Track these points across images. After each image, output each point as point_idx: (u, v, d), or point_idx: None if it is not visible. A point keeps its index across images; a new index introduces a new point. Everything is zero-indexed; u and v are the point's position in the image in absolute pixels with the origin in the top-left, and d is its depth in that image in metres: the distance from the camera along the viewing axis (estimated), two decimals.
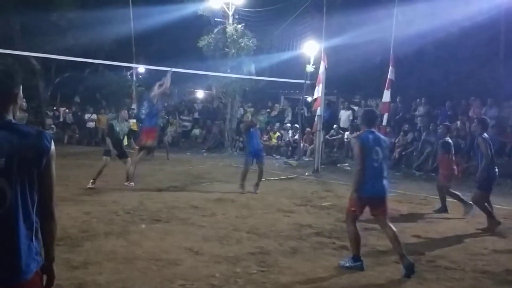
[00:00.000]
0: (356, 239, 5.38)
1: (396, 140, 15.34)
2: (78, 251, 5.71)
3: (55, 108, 24.26)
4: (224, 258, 5.65)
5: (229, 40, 18.67)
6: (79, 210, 7.71)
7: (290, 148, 18.08)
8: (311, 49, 16.73)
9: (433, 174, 13.66)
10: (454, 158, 8.94)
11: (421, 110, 16.18)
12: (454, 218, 8.38)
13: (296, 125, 18.11)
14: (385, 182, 5.34)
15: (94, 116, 21.77)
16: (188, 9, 19.78)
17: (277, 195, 10.01)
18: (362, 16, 16.91)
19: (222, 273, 5.11)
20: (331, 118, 17.88)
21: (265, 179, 11.31)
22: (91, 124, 21.82)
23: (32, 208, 2.27)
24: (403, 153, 15.01)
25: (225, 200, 9.26)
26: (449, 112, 15.80)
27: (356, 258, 5.37)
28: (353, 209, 5.36)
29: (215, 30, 19.23)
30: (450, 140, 8.96)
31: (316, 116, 14.76)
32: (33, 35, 21.37)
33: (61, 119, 23.38)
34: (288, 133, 18.73)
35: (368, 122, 5.52)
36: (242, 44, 18.46)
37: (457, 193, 8.67)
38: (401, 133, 15.58)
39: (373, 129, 5.47)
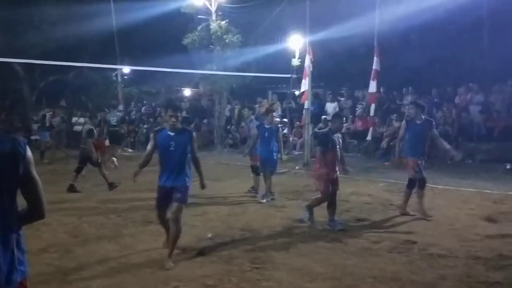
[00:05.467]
0: None
1: (384, 130, 15.33)
2: (70, 257, 5.65)
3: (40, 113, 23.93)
4: (218, 257, 5.63)
5: (213, 37, 18.55)
6: (69, 215, 7.63)
7: None
8: (296, 43, 16.69)
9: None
10: None
11: (409, 99, 16.18)
12: (445, 206, 8.42)
13: (285, 120, 18.06)
14: (269, 148, 8.83)
15: (82, 119, 21.27)
16: (170, 6, 19.56)
17: None
18: (347, 7, 16.89)
19: (216, 272, 5.09)
20: (319, 111, 17.87)
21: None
22: (78, 128, 21.38)
23: (12, 218, 2.22)
24: (391, 143, 14.98)
25: (216, 198, 9.23)
26: (435, 100, 15.84)
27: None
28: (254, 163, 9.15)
29: (199, 28, 19.09)
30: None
31: (304, 110, 14.74)
32: (14, 38, 20.87)
33: (47, 124, 23.05)
34: None
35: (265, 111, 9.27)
36: (227, 40, 18.35)
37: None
38: (387, 123, 15.56)
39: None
